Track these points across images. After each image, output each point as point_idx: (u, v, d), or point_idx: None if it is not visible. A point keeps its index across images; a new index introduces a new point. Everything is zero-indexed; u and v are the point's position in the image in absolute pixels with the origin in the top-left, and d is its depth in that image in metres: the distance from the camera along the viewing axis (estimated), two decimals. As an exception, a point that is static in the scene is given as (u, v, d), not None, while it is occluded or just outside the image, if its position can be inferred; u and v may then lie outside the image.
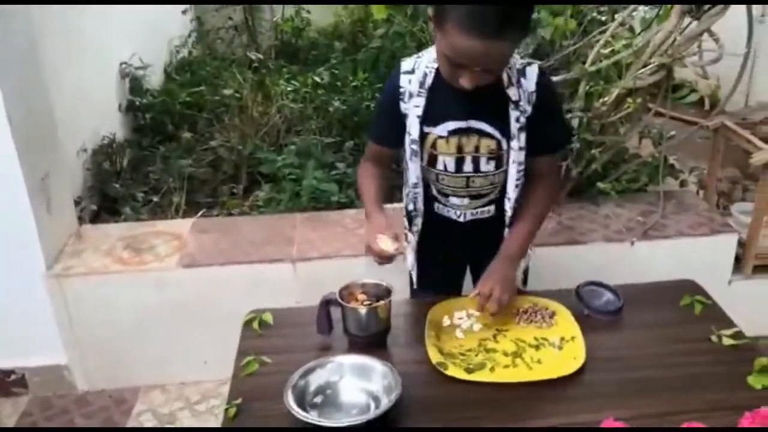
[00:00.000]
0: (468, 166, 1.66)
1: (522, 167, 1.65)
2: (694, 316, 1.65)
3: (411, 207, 1.78)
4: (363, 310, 1.54)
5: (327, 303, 1.57)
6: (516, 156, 1.63)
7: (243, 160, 3.46)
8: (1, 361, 2.53)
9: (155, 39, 4.72)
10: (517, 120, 1.59)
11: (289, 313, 1.72)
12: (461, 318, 1.64)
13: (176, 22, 5.34)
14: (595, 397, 1.40)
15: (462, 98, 1.53)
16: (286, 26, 5.63)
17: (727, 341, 1.54)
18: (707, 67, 2.63)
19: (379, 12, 3.39)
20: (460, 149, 1.63)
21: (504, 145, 1.62)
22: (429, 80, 1.60)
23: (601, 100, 2.65)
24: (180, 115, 3.98)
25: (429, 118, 1.61)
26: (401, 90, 1.62)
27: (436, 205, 1.78)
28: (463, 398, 1.40)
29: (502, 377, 1.45)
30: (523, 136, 1.60)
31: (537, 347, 1.55)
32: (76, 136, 3.17)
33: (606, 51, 2.67)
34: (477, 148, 1.63)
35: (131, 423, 2.44)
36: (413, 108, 1.61)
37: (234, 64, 4.82)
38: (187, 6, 5.65)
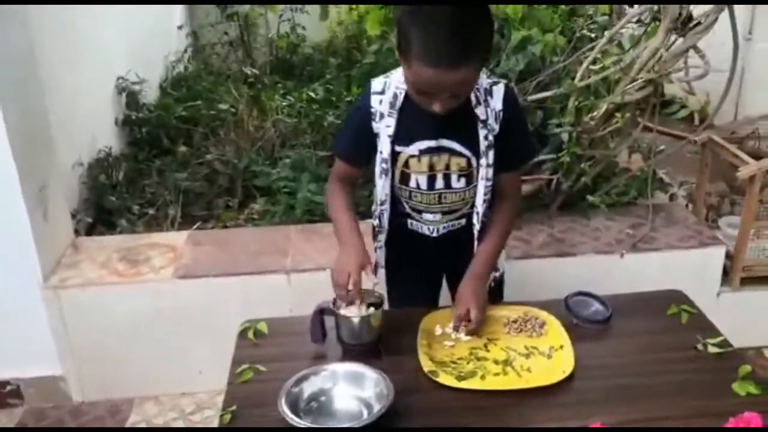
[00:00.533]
0: (440, 183, 1.70)
1: (490, 183, 1.70)
2: (680, 325, 1.68)
3: (376, 222, 1.81)
4: (356, 319, 1.57)
5: (321, 312, 1.60)
6: (484, 173, 1.67)
7: (238, 173, 3.49)
8: (-4, 372, 2.54)
9: (151, 54, 4.77)
10: (486, 138, 1.63)
11: (284, 322, 1.74)
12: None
13: (172, 37, 5.39)
14: (584, 404, 1.43)
15: (432, 118, 1.56)
16: (281, 42, 5.69)
17: (712, 349, 1.57)
18: (695, 82, 2.69)
19: (372, 28, 3.45)
20: (431, 167, 1.67)
21: (474, 163, 1.67)
22: (399, 101, 1.62)
23: (590, 115, 2.70)
24: (176, 129, 4.01)
25: (400, 137, 1.64)
26: (372, 110, 1.64)
27: (409, 221, 1.82)
28: (454, 405, 1.43)
29: (492, 385, 1.48)
30: (491, 153, 1.65)
31: (527, 356, 1.57)
32: (73, 150, 3.19)
33: (595, 67, 2.73)
34: (448, 166, 1.67)
35: (126, 434, 2.46)
36: (384, 128, 1.64)
37: (229, 80, 4.86)
38: (183, 22, 5.72)
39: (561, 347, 1.59)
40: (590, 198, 2.86)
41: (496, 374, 1.51)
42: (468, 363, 1.55)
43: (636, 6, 2.91)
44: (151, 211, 3.23)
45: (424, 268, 1.92)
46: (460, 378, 1.49)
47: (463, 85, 1.50)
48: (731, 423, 1.30)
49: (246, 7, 5.34)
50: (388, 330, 1.63)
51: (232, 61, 5.56)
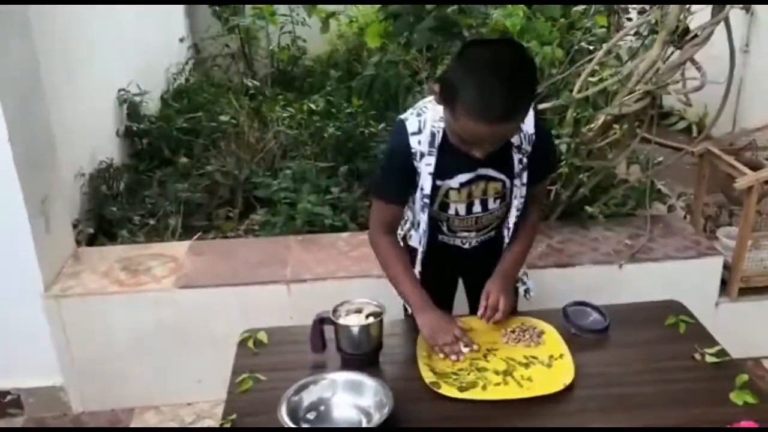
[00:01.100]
0: (477, 208, 1.75)
1: (524, 199, 1.75)
2: (678, 335, 1.69)
3: (415, 245, 1.85)
4: (355, 329, 1.58)
5: (320, 321, 1.61)
6: (519, 191, 1.72)
7: (239, 184, 3.51)
8: (-3, 382, 2.55)
9: (153, 66, 4.80)
10: (520, 162, 1.68)
11: (284, 332, 1.75)
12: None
13: (174, 50, 5.43)
14: (582, 413, 1.44)
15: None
16: (282, 54, 5.73)
17: (710, 359, 1.58)
18: (694, 94, 2.70)
19: (373, 41, 3.48)
20: (470, 195, 1.71)
21: (508, 184, 1.72)
22: (438, 139, 1.63)
23: (588, 127, 2.72)
24: (177, 140, 4.03)
25: (440, 173, 1.67)
26: (413, 151, 1.65)
27: (441, 237, 1.85)
28: (455, 415, 1.44)
29: (494, 395, 1.49)
30: (525, 174, 1.70)
31: (527, 365, 1.58)
32: (75, 161, 3.21)
33: (593, 79, 2.75)
34: (485, 192, 1.72)
35: (125, 444, 2.46)
36: (425, 166, 1.66)
37: (230, 91, 4.88)
38: (185, 34, 5.76)
39: (561, 356, 1.60)
40: (589, 209, 2.87)
41: (497, 384, 1.52)
42: (469, 374, 1.56)
43: (634, 18, 2.95)
44: (151, 222, 3.24)
45: (448, 275, 1.98)
46: (461, 389, 1.50)
47: (508, 136, 1.56)
48: (728, 432, 1.31)
49: (247, 20, 5.38)
50: (387, 340, 1.64)
51: (234, 73, 5.60)
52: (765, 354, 2.81)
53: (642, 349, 1.65)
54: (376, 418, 1.36)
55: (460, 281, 2.06)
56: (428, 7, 2.92)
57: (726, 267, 2.72)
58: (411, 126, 1.64)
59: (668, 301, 1.84)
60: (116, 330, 2.50)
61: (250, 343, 1.68)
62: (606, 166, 2.83)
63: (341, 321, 1.59)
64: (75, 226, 2.95)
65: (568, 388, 1.49)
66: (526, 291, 1.95)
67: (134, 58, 4.30)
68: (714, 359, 1.58)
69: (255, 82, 5.11)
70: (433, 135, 1.63)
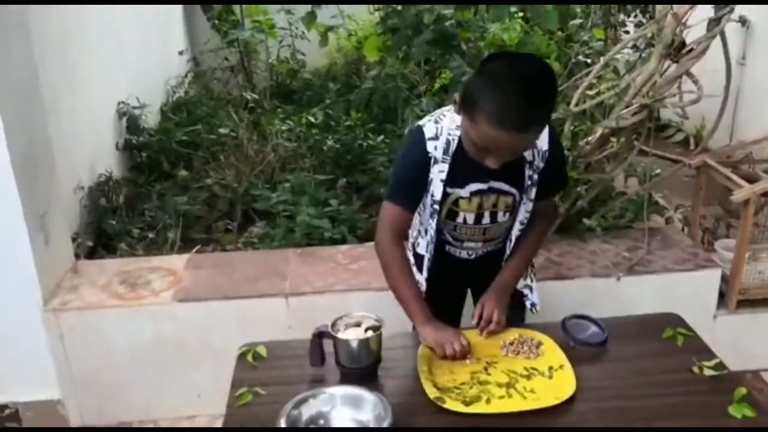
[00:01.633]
0: (486, 219, 1.77)
1: (528, 213, 1.78)
2: (676, 348, 1.70)
3: (422, 252, 1.86)
4: (354, 342, 1.57)
5: (319, 335, 1.61)
6: (525, 206, 1.75)
7: (238, 197, 3.52)
8: (-6, 395, 2.54)
9: (152, 79, 4.82)
10: (530, 178, 1.70)
11: (283, 345, 1.75)
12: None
13: (173, 63, 5.45)
14: (583, 425, 1.44)
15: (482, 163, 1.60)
16: (281, 68, 5.76)
17: (708, 372, 1.58)
18: (689, 107, 2.72)
19: (371, 54, 3.50)
20: (480, 206, 1.73)
21: (518, 198, 1.74)
22: (452, 147, 1.66)
23: (586, 139, 2.73)
24: (176, 153, 4.05)
25: (452, 181, 1.69)
26: (429, 155, 1.66)
27: (447, 246, 1.86)
28: (457, 428, 1.44)
29: (499, 408, 1.49)
30: (533, 189, 1.72)
31: (528, 377, 1.59)
32: (74, 174, 3.22)
33: (591, 92, 2.77)
34: (495, 204, 1.74)
35: (124, 458, 2.45)
36: (437, 172, 1.68)
37: (230, 104, 4.91)
38: (184, 47, 5.78)
39: (561, 366, 1.60)
40: (587, 221, 2.89)
41: (501, 397, 1.52)
42: (471, 387, 1.56)
43: (631, 32, 2.97)
44: (151, 235, 3.24)
45: (456, 286, 1.99)
46: (466, 403, 1.49)
47: (526, 147, 1.58)
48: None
49: (246, 33, 5.41)
50: (386, 354, 1.64)
51: (233, 86, 5.62)
52: (763, 366, 2.81)
53: (640, 362, 1.65)
54: (376, 432, 1.36)
55: (469, 294, 2.06)
56: (426, 20, 2.94)
57: (724, 279, 2.73)
58: (428, 131, 1.67)
59: (666, 313, 1.85)
60: (115, 343, 2.50)
61: (249, 357, 1.68)
62: (604, 179, 2.84)
63: (340, 335, 1.59)
64: (74, 240, 2.95)
65: (569, 400, 1.49)
66: (533, 305, 1.95)
67: (134, 71, 4.32)
68: (712, 372, 1.58)
69: (254, 95, 5.14)
70: (448, 142, 1.65)
